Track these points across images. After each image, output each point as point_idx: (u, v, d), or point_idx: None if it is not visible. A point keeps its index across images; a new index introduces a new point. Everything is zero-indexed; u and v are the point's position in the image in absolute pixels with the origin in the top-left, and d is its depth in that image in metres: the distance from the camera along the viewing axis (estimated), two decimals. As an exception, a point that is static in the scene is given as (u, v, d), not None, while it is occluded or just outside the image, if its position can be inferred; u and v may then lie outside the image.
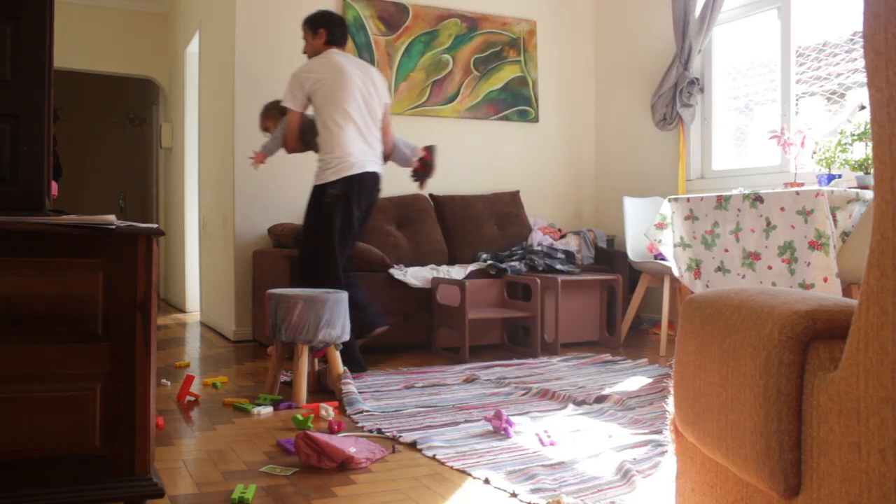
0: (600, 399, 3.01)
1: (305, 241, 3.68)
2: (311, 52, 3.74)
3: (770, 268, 3.16)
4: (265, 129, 3.99)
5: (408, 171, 5.14)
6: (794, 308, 0.97)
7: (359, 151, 3.62)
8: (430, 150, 3.95)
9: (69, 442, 1.60)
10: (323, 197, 3.58)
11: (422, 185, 4.03)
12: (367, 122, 3.69)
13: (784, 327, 0.95)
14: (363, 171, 3.62)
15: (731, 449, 1.04)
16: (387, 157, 3.94)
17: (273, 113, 3.93)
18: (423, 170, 3.95)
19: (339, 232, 3.60)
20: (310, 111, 3.73)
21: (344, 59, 3.67)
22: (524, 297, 4.35)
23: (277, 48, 4.78)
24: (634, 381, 3.41)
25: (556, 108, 5.69)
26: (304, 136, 3.78)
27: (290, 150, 3.83)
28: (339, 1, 4.94)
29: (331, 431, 2.55)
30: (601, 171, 5.77)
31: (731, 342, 1.05)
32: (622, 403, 2.94)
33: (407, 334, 4.27)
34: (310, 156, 4.84)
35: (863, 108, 3.99)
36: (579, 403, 2.96)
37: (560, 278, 4.25)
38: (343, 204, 3.58)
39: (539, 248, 4.79)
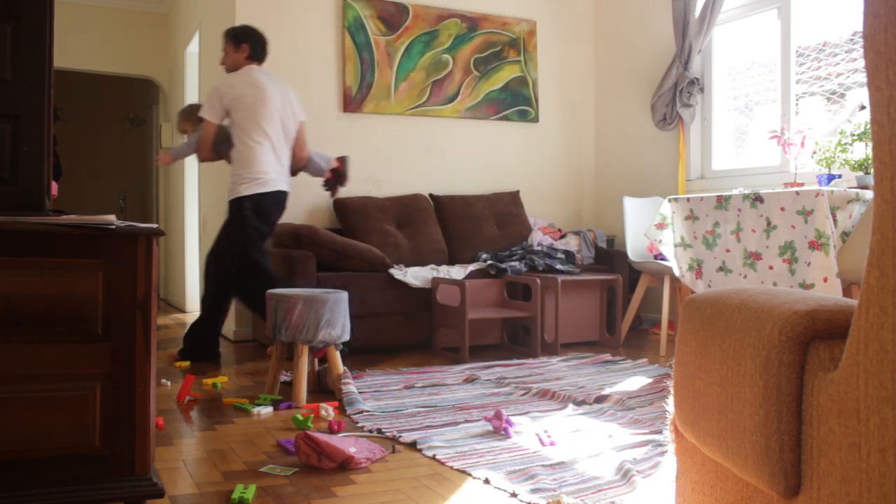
0: (600, 399, 3.01)
1: (239, 258, 3.72)
2: (231, 65, 3.82)
3: (771, 268, 3.16)
4: (183, 131, 4.09)
5: (406, 171, 5.17)
6: (794, 308, 0.97)
7: (273, 170, 3.75)
8: (342, 160, 4.07)
9: (69, 442, 1.60)
10: (242, 210, 3.70)
11: (333, 193, 4.17)
12: (281, 142, 3.81)
13: (784, 327, 0.95)
14: (276, 189, 3.76)
15: (731, 449, 1.04)
16: (300, 170, 4.07)
17: (193, 117, 4.01)
18: (334, 180, 4.07)
19: (254, 239, 3.73)
20: (226, 121, 3.83)
21: (265, 78, 3.78)
22: (524, 297, 4.35)
23: (277, 48, 4.78)
24: (634, 381, 3.41)
25: (556, 108, 5.69)
26: (218, 147, 3.88)
27: (202, 159, 3.98)
28: (339, 1, 4.94)
29: (331, 431, 2.55)
30: (601, 171, 5.77)
31: (731, 342, 1.05)
32: (622, 403, 2.94)
33: (407, 334, 4.27)
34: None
35: (863, 107, 3.99)
36: (579, 403, 2.96)
37: (560, 278, 4.25)
38: (257, 216, 3.71)
39: (539, 248, 4.79)
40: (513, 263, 4.47)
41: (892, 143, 0.80)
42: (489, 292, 4.38)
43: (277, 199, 3.80)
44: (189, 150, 3.91)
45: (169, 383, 3.38)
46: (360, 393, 3.10)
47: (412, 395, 3.14)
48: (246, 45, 3.79)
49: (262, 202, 3.71)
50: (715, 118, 4.94)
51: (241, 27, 3.87)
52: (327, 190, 4.13)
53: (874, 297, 0.82)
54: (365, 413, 2.82)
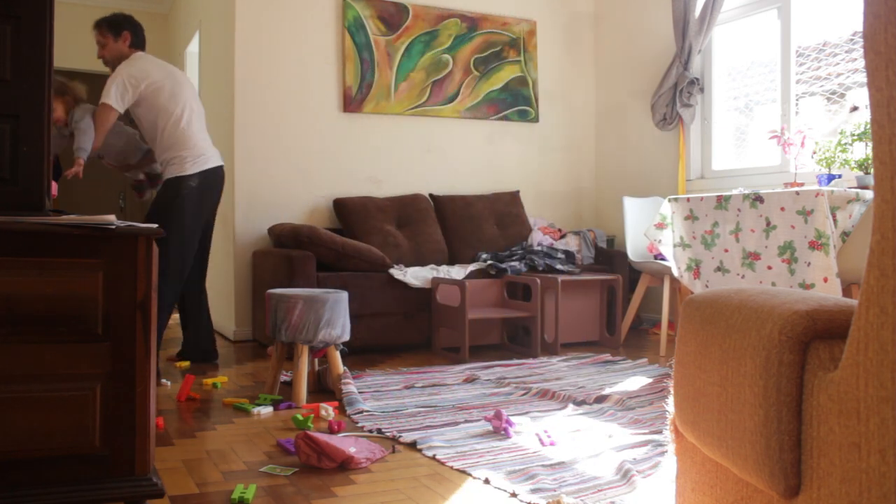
0: (600, 399, 3.01)
1: (172, 242, 3.50)
2: (114, 55, 3.61)
3: (770, 268, 3.16)
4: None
5: (406, 171, 5.17)
6: (794, 308, 0.97)
7: (208, 146, 3.72)
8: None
9: (69, 442, 1.60)
10: (179, 189, 3.57)
11: (140, 196, 4.08)
12: (203, 120, 3.78)
13: (784, 327, 0.95)
14: (216, 164, 3.73)
15: (731, 449, 1.04)
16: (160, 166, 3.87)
17: (67, 98, 3.53)
18: (147, 182, 4.00)
19: (189, 225, 3.60)
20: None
21: (164, 63, 3.70)
22: (524, 297, 4.35)
23: (277, 48, 4.78)
24: (634, 381, 3.41)
25: (556, 108, 5.69)
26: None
27: (95, 148, 3.66)
28: (339, 1, 4.94)
29: (331, 431, 2.55)
30: (601, 171, 5.77)
31: (731, 342, 1.05)
32: (622, 403, 2.94)
33: (407, 334, 4.27)
34: (312, 154, 4.85)
35: (855, 108, 3.99)
36: (579, 403, 2.96)
37: (560, 278, 4.25)
38: (197, 196, 3.61)
39: (539, 248, 4.79)
40: (513, 263, 4.47)
41: (892, 143, 0.80)
42: (489, 292, 4.38)
43: (219, 175, 3.75)
44: (90, 143, 3.49)
45: (169, 383, 3.38)
46: (360, 393, 3.10)
47: (412, 395, 3.14)
48: (126, 32, 3.60)
49: (207, 178, 3.63)
50: (715, 118, 4.94)
51: (114, 16, 3.63)
52: (136, 191, 4.03)
53: (874, 297, 0.82)
54: (365, 413, 2.82)
